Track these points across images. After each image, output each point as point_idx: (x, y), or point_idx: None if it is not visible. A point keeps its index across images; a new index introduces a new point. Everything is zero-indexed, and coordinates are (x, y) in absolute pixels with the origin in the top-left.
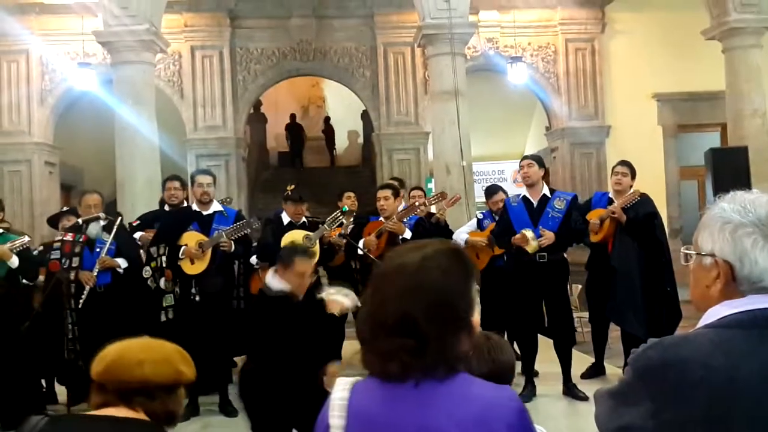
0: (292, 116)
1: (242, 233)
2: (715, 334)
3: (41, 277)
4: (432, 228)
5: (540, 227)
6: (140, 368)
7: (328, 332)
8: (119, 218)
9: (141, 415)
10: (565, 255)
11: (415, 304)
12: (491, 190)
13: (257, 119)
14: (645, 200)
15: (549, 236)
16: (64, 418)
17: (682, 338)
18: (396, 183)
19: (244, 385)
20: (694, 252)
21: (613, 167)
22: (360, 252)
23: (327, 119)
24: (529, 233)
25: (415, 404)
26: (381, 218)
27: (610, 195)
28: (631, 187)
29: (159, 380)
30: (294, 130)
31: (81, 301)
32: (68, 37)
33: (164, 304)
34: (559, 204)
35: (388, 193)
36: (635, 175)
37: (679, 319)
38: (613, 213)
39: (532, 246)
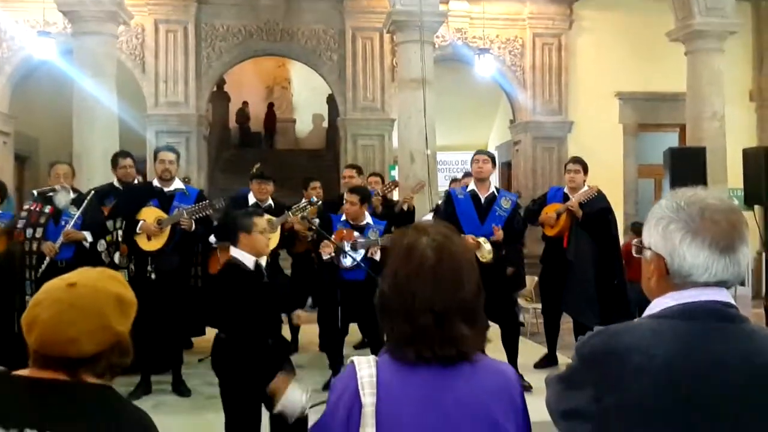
0: (244, 103)
1: (204, 213)
2: (658, 324)
3: None
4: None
5: (492, 225)
6: (76, 346)
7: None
8: (91, 192)
9: (89, 380)
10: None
11: (455, 295)
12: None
13: (220, 97)
14: (600, 196)
15: (500, 235)
16: (13, 379)
17: (625, 327)
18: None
19: (216, 354)
20: (640, 245)
21: (566, 164)
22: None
23: (270, 105)
24: (486, 244)
25: (451, 379)
26: (344, 218)
27: (565, 190)
28: (584, 182)
29: (98, 350)
30: (242, 117)
31: (40, 271)
32: (28, 4)
33: None
34: (505, 203)
35: (355, 198)
36: (587, 171)
37: (627, 311)
38: (571, 207)
39: (485, 257)
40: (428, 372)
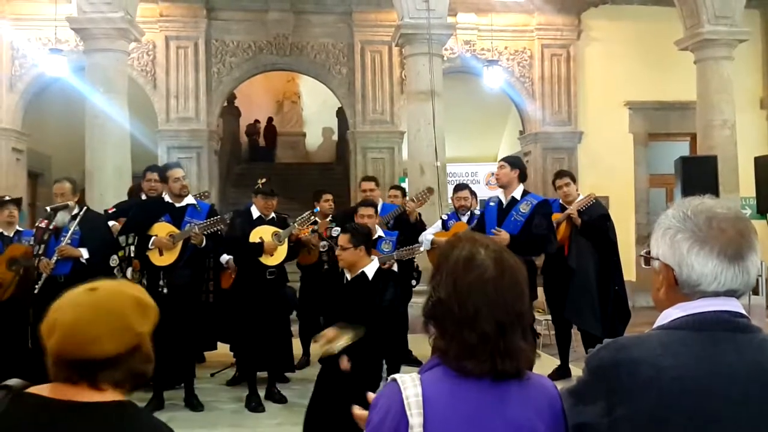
0: (256, 121)
1: (215, 228)
2: (666, 336)
3: None
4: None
5: (494, 229)
6: (97, 346)
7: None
8: (84, 207)
9: (108, 394)
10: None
11: (515, 307)
12: (458, 187)
13: (231, 112)
14: (597, 203)
15: (503, 236)
16: (29, 399)
17: (635, 339)
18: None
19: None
20: (648, 255)
21: (553, 181)
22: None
23: (269, 119)
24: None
25: (500, 397)
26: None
27: (561, 201)
28: (577, 191)
29: (120, 351)
30: (253, 130)
31: (37, 287)
32: (40, 22)
33: None
34: (524, 207)
35: (372, 211)
36: (576, 180)
37: (627, 318)
38: (570, 215)
39: None
40: (477, 389)
